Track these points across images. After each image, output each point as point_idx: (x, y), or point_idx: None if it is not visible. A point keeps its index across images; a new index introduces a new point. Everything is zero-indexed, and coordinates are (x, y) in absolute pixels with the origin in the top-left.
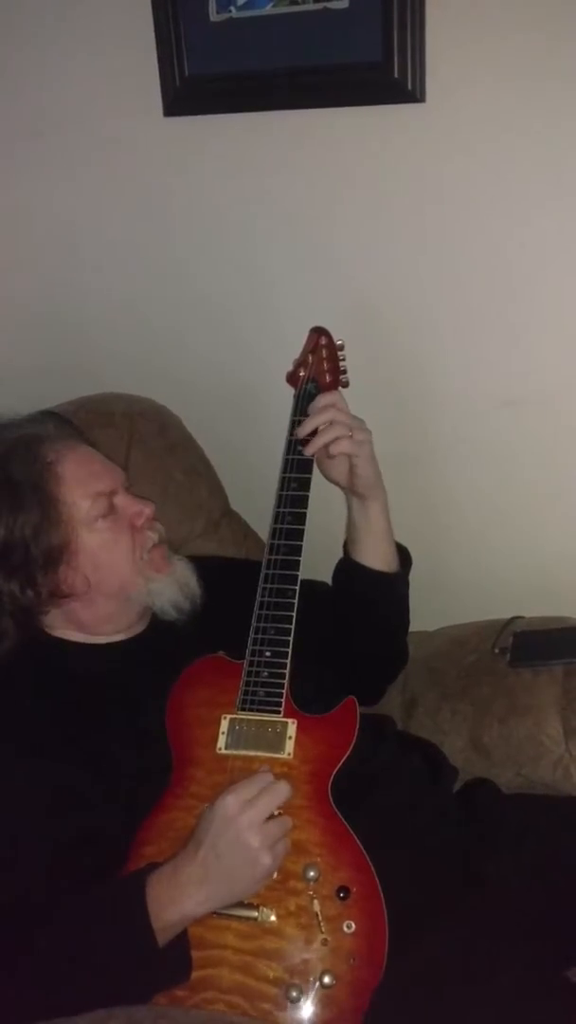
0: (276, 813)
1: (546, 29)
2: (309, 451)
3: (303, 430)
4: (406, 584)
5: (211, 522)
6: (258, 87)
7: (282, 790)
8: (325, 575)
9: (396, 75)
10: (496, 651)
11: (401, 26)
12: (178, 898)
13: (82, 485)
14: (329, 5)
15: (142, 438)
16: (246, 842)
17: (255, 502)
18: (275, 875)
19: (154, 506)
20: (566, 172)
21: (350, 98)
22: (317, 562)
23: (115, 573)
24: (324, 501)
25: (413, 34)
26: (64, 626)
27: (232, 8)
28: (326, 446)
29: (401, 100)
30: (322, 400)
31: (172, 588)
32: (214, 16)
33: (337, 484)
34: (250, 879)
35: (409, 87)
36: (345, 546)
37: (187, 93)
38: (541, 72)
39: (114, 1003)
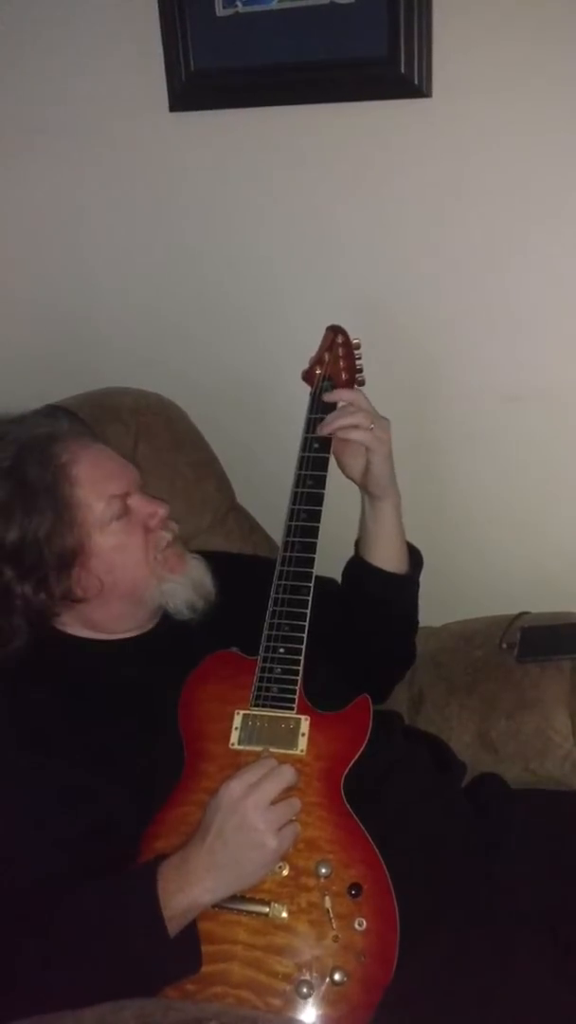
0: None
1: (553, 24)
2: (324, 431)
3: (330, 416)
4: (416, 585)
5: (218, 517)
6: (264, 82)
7: (286, 773)
8: (336, 572)
9: (403, 70)
10: (504, 646)
11: (408, 21)
12: (186, 886)
13: (96, 487)
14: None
15: (149, 433)
16: (252, 825)
17: (262, 497)
18: (286, 871)
19: (168, 506)
20: (574, 167)
21: (356, 93)
22: (329, 559)
23: (128, 575)
24: (337, 498)
25: (419, 29)
26: (76, 624)
27: (238, 3)
28: (343, 431)
29: (408, 95)
30: (347, 395)
31: (186, 588)
32: (220, 11)
33: (353, 480)
34: (257, 863)
35: (416, 82)
36: (356, 545)
37: (193, 88)
38: (548, 67)
39: (123, 993)
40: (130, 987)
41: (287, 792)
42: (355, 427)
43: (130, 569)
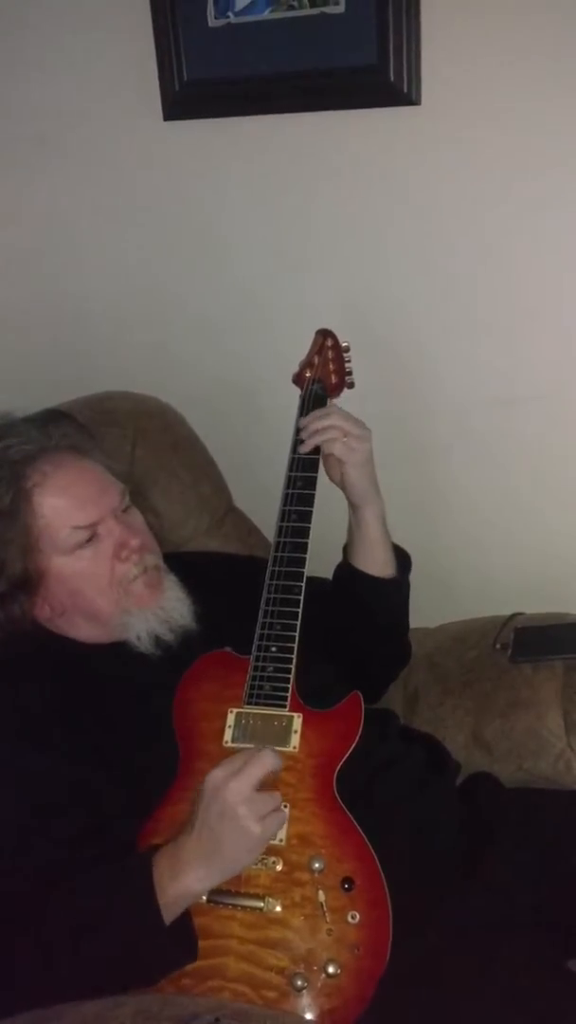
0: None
1: (540, 32)
2: (303, 449)
3: (304, 433)
4: (405, 588)
5: (215, 519)
6: (256, 91)
7: (267, 757)
8: (331, 573)
9: (392, 78)
10: (497, 647)
11: (396, 30)
12: (179, 874)
13: (60, 515)
14: (325, 10)
15: (146, 436)
16: (234, 811)
17: (259, 499)
18: (280, 865)
19: (144, 537)
20: (561, 173)
21: (346, 101)
22: (324, 558)
23: (89, 601)
24: (332, 498)
25: (408, 37)
26: (65, 626)
27: (230, 14)
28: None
29: (397, 103)
30: (319, 412)
31: (149, 622)
32: (212, 22)
33: (337, 486)
34: (244, 849)
35: (404, 90)
36: (345, 549)
37: (186, 97)
38: (535, 73)
39: (121, 982)
40: (127, 976)
41: (273, 775)
42: (329, 440)
43: (91, 595)
